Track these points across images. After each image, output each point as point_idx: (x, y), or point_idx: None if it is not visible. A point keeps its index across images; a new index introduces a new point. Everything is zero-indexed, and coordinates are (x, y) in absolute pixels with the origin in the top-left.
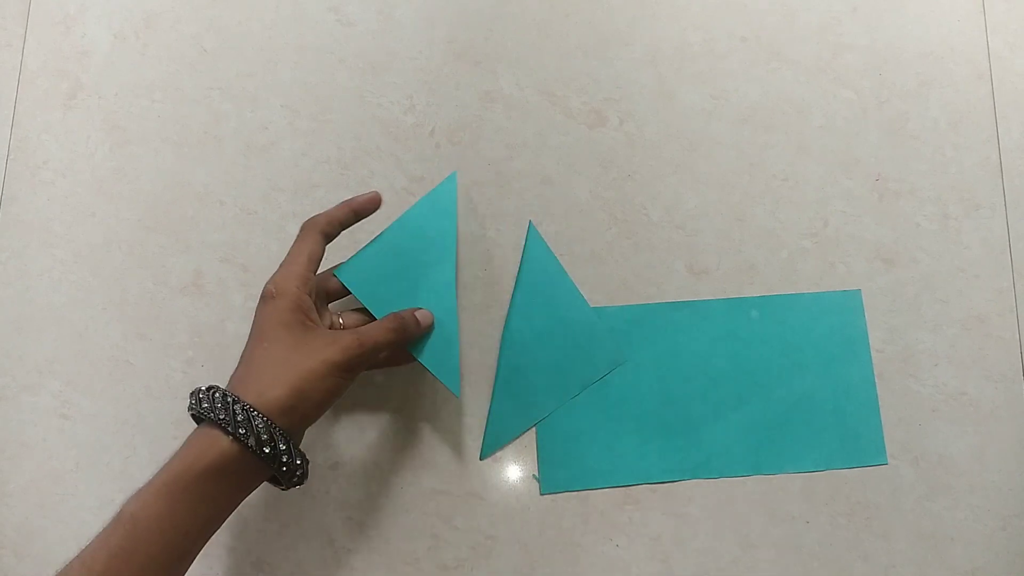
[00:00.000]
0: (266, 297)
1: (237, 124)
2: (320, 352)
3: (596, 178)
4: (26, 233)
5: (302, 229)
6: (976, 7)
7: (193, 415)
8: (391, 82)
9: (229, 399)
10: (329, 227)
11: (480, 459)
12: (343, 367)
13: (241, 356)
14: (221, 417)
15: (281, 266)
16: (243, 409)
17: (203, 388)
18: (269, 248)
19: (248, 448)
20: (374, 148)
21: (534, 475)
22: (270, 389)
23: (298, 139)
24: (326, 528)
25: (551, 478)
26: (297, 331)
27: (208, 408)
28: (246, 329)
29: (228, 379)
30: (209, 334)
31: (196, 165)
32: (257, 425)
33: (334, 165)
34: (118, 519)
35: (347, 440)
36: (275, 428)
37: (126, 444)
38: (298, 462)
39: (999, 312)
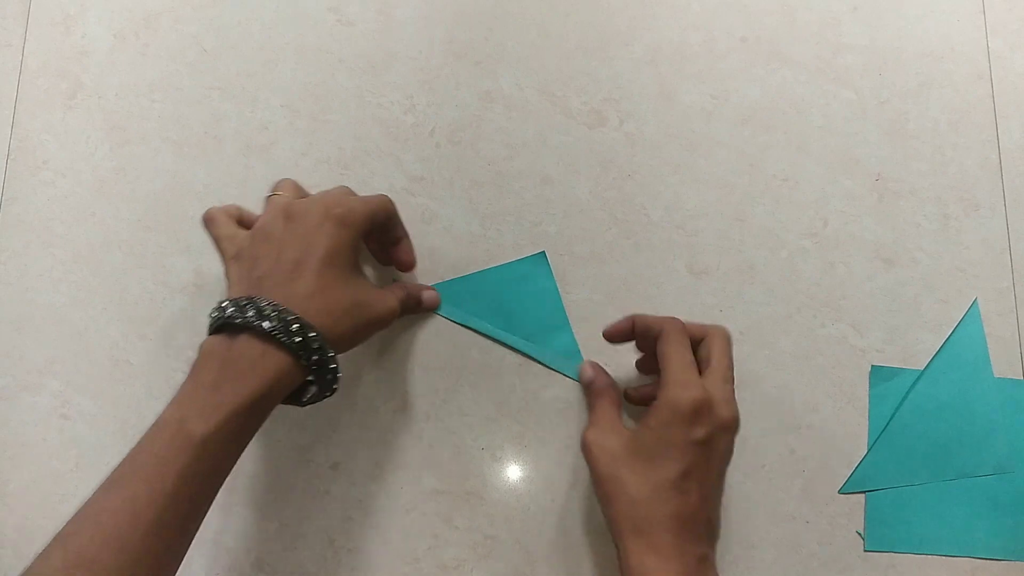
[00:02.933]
0: (334, 216)
1: (237, 124)
2: (380, 298)
3: (596, 178)
4: (26, 233)
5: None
6: (976, 7)
7: (240, 324)
8: (391, 82)
9: (302, 327)
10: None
11: (840, 492)
12: (395, 313)
13: (288, 263)
14: (296, 342)
15: (348, 195)
16: (317, 340)
17: (261, 303)
18: None
19: (310, 372)
20: (374, 148)
21: (858, 531)
22: (339, 322)
23: (298, 139)
24: (326, 528)
25: (877, 536)
26: (353, 267)
27: (281, 332)
28: None
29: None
30: None
31: (196, 165)
32: (325, 356)
33: (334, 165)
34: (185, 439)
35: (347, 440)
36: (329, 353)
37: (126, 444)
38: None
39: (999, 312)
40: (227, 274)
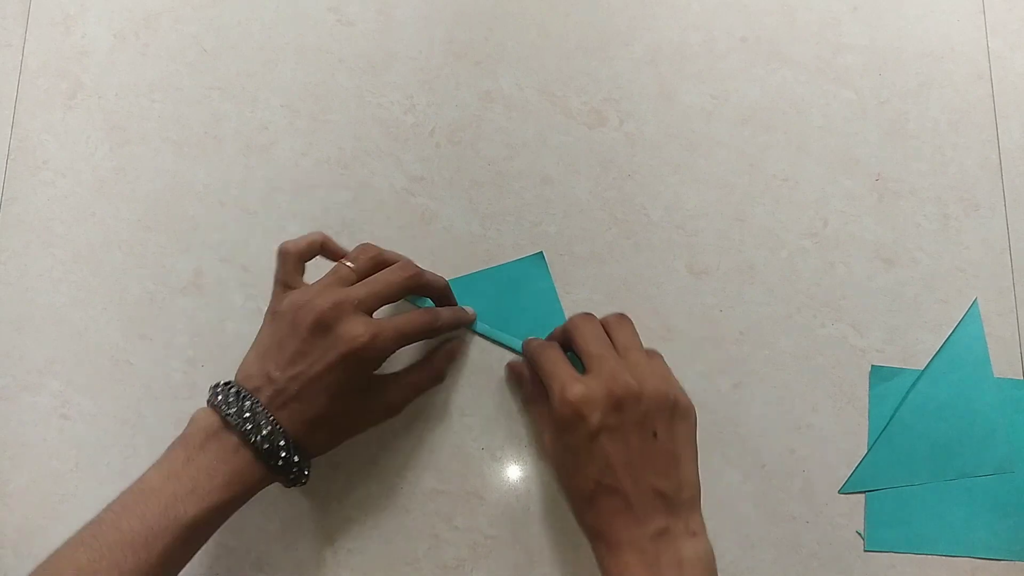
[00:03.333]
0: (355, 343)
1: (237, 124)
2: (374, 412)
3: (596, 178)
4: (26, 233)
5: (415, 275)
6: (976, 7)
7: (225, 418)
8: (391, 82)
9: (287, 454)
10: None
11: (840, 492)
12: (395, 413)
13: (301, 380)
14: (282, 464)
15: (380, 310)
16: (301, 465)
17: (260, 419)
18: (269, 248)
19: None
20: (374, 148)
21: (858, 531)
22: (329, 440)
23: (298, 139)
24: (326, 528)
25: (877, 537)
26: (366, 386)
27: (270, 456)
28: (246, 329)
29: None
30: (209, 334)
31: (196, 165)
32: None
33: (334, 165)
34: (175, 518)
35: (347, 440)
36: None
37: (126, 444)
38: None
39: (998, 312)
40: (263, 323)
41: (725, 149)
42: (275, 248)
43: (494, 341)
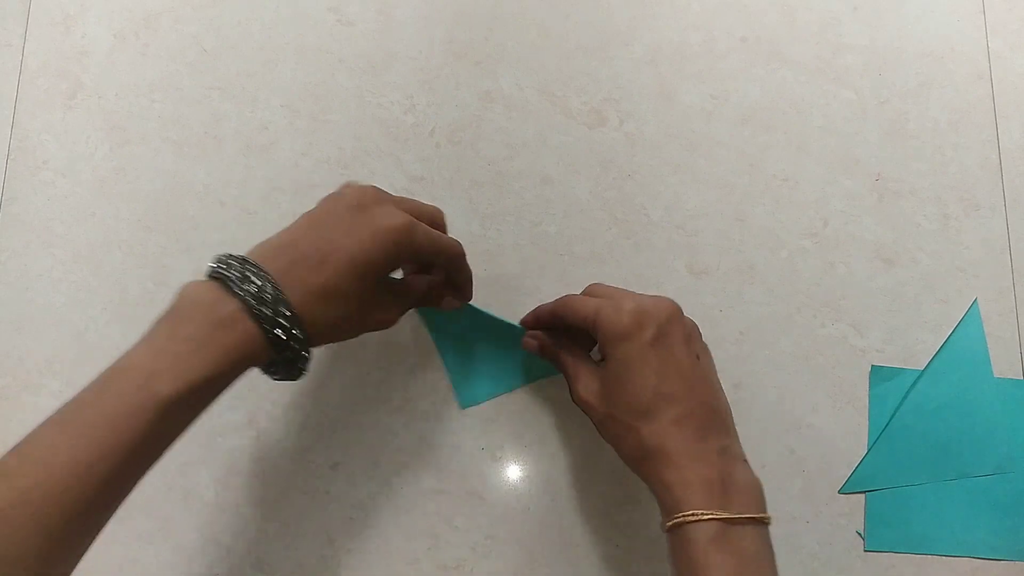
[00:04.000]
0: (391, 224)
1: (237, 124)
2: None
3: (596, 178)
4: (26, 233)
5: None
6: (976, 7)
7: (219, 277)
8: (391, 82)
9: (292, 326)
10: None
11: (840, 492)
12: (390, 325)
13: (318, 254)
14: (279, 338)
15: (412, 203)
16: (300, 343)
17: (266, 283)
18: None
19: (281, 360)
20: (374, 148)
21: (858, 531)
22: (332, 330)
23: (298, 139)
24: (326, 528)
25: (877, 537)
26: (377, 283)
27: (268, 322)
28: None
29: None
30: None
31: (196, 165)
32: (300, 355)
33: (334, 165)
34: (150, 396)
35: (347, 440)
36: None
37: None
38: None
39: (999, 312)
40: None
41: (725, 149)
42: None
43: (490, 323)
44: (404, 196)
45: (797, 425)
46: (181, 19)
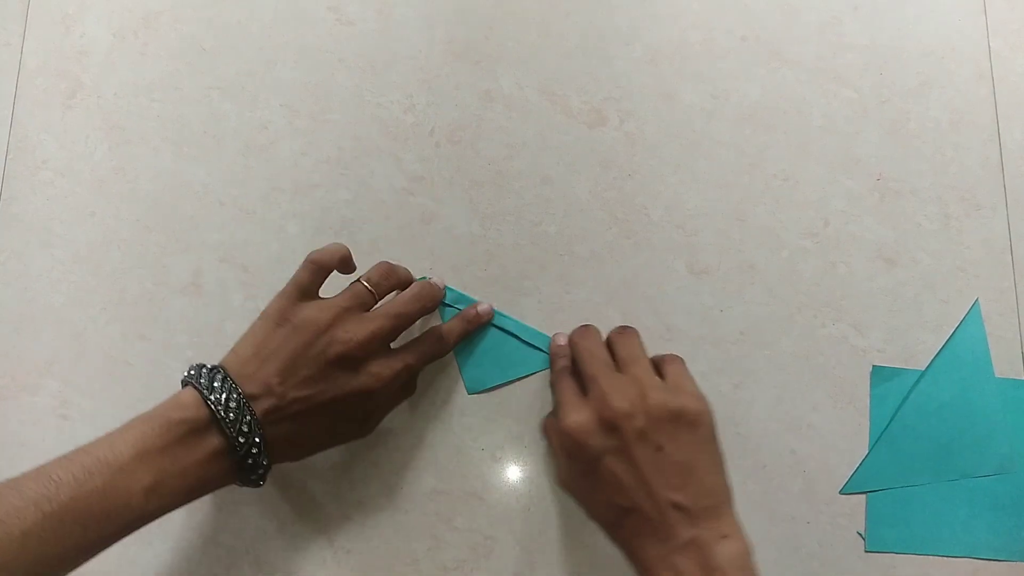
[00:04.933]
0: (378, 383)
1: (237, 124)
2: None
3: (596, 178)
4: (25, 233)
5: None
6: (977, 7)
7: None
8: (391, 82)
9: (263, 468)
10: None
11: (840, 492)
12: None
13: (296, 401)
14: (252, 473)
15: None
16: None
17: (251, 423)
18: (269, 248)
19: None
20: (374, 148)
21: (859, 532)
22: (297, 454)
23: (298, 139)
24: (326, 528)
25: (878, 537)
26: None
27: (245, 461)
28: (245, 329)
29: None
30: (209, 334)
31: (195, 165)
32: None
33: (334, 165)
34: (137, 499)
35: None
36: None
37: None
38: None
39: (999, 312)
40: (263, 319)
41: (725, 149)
42: (275, 248)
43: (513, 335)
44: (381, 270)
45: (797, 425)
46: (181, 19)
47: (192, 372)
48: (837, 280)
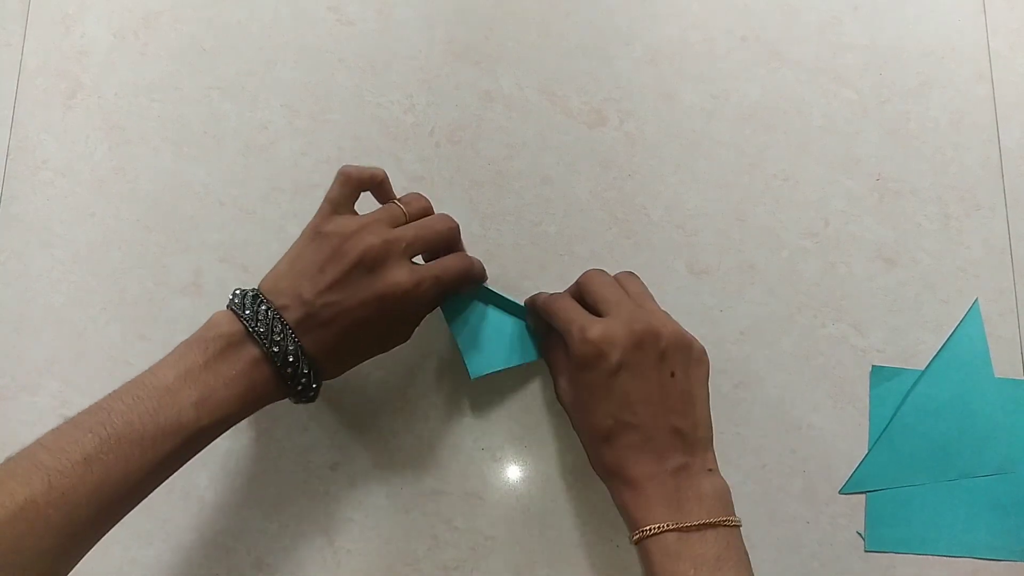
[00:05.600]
0: (397, 288)
1: (236, 124)
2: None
3: (596, 178)
4: (26, 233)
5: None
6: (977, 7)
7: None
8: (391, 82)
9: (307, 374)
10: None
11: (840, 492)
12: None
13: (335, 307)
14: (297, 385)
15: (423, 231)
16: (314, 385)
17: (285, 334)
18: (269, 248)
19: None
20: (374, 148)
21: (859, 532)
22: (341, 365)
23: (298, 139)
24: (326, 528)
25: (878, 537)
26: (392, 324)
27: (286, 368)
28: None
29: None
30: None
31: (195, 165)
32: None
33: (334, 165)
34: (183, 423)
35: (347, 440)
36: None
37: None
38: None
39: (999, 312)
40: (300, 237)
41: (725, 149)
42: (275, 248)
43: (501, 302)
44: (415, 195)
45: (797, 425)
46: (181, 19)
47: (232, 297)
48: (837, 280)
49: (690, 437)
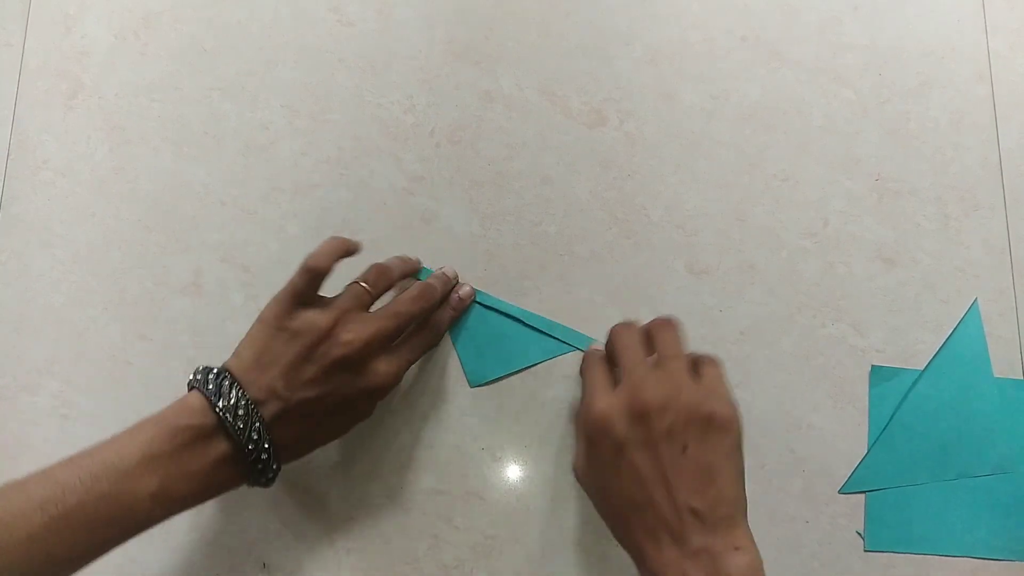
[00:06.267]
0: (381, 383)
1: (237, 124)
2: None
3: (596, 178)
4: (26, 233)
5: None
6: (976, 7)
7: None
8: (391, 82)
9: (268, 460)
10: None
11: (840, 492)
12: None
13: (298, 403)
14: (260, 473)
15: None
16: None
17: (257, 426)
18: (269, 248)
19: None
20: (374, 148)
21: (858, 532)
22: (300, 451)
23: (298, 139)
24: (328, 528)
25: (877, 537)
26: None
27: (253, 461)
28: (246, 329)
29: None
30: (209, 334)
31: (196, 165)
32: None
33: (334, 165)
34: (143, 504)
35: (347, 440)
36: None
37: None
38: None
39: (999, 312)
40: (261, 325)
41: (725, 149)
42: (275, 248)
43: (499, 312)
44: (377, 268)
45: (797, 425)
46: (181, 19)
47: (198, 377)
48: (837, 280)
49: (709, 517)
